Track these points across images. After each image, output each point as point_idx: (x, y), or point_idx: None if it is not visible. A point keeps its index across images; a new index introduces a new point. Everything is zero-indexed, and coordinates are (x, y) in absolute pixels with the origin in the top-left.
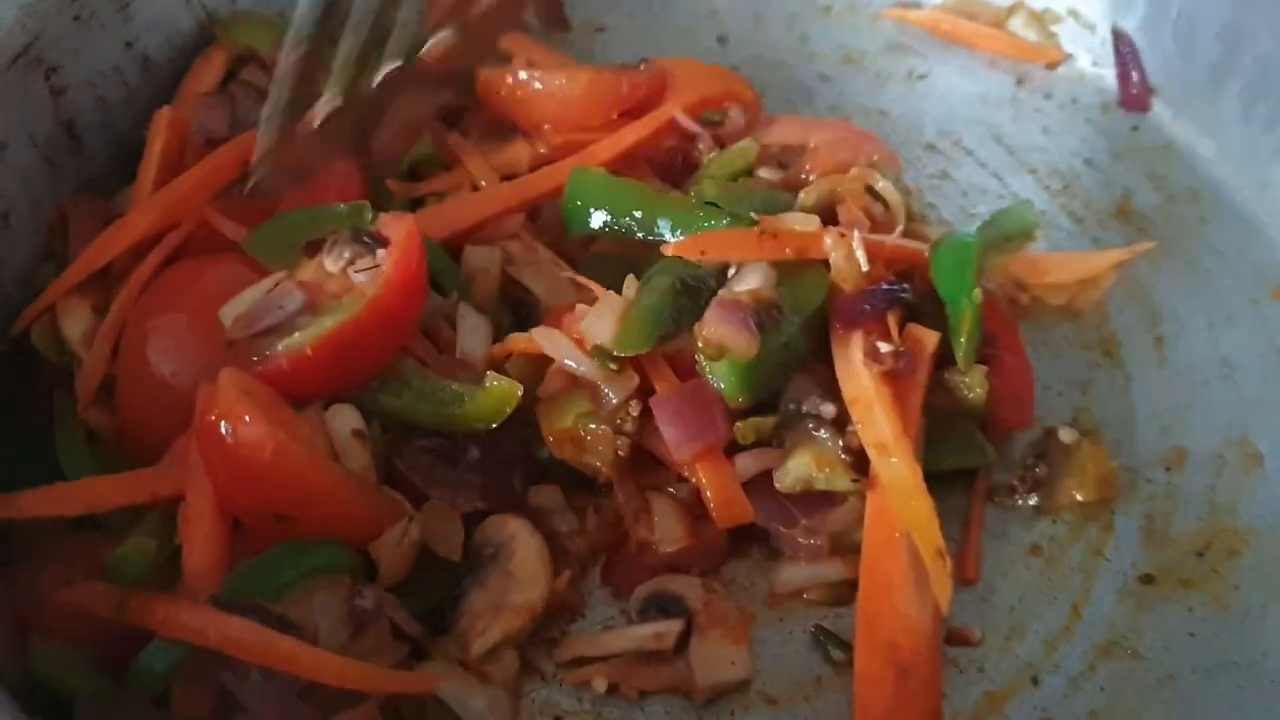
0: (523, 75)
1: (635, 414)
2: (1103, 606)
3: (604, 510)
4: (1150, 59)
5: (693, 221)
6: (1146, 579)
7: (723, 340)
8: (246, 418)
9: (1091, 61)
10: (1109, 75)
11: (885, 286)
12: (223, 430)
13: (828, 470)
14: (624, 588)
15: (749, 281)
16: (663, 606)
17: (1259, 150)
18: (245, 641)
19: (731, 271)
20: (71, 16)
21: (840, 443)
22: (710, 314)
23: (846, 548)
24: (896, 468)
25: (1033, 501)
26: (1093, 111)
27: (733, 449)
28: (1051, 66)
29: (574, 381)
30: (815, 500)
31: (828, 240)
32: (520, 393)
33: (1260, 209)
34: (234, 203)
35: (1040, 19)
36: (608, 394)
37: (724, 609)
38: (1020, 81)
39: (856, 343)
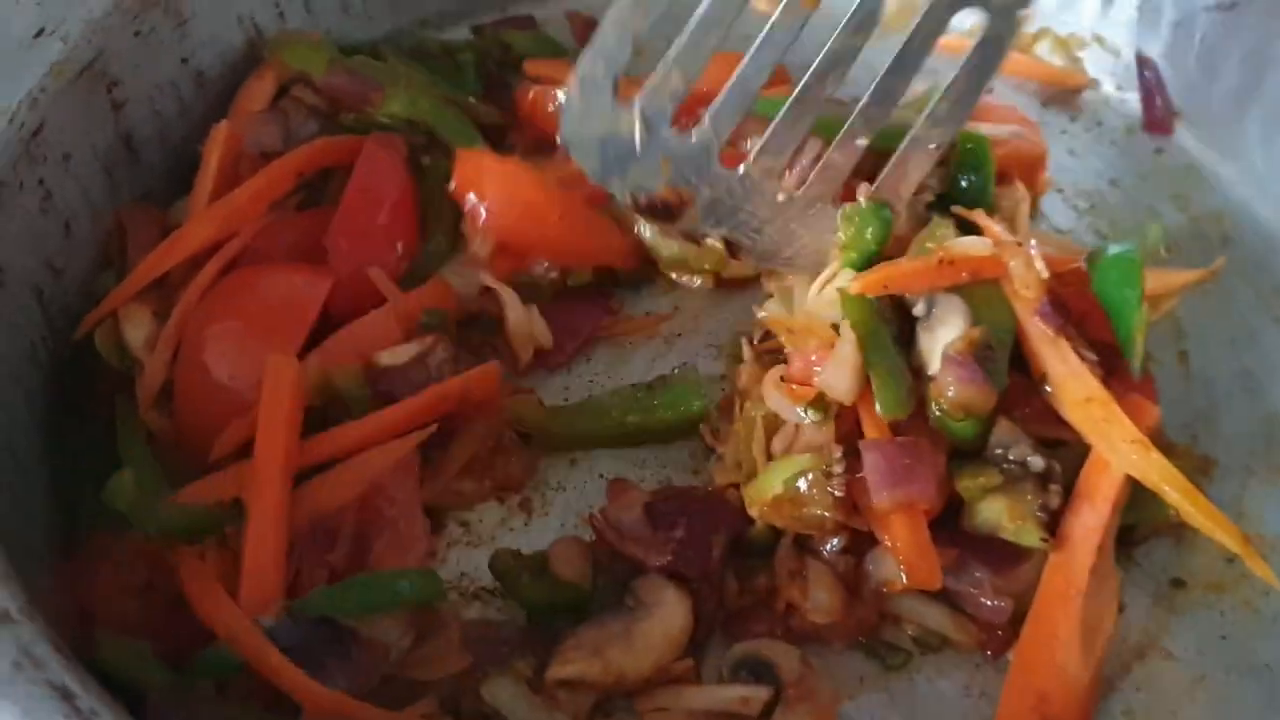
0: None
1: (839, 455)
2: (1136, 609)
3: (755, 579)
4: (1174, 83)
5: None
6: (1178, 583)
7: (969, 401)
8: None
9: (1116, 86)
10: (1133, 99)
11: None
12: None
13: (1019, 523)
14: (737, 636)
15: (953, 325)
16: (755, 671)
17: None
18: (285, 676)
19: (918, 309)
20: (133, 33)
21: (1040, 500)
22: (947, 377)
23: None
24: (1159, 463)
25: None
26: (1117, 134)
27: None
28: (1077, 90)
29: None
30: (999, 557)
31: (1011, 258)
32: None
33: None
34: (287, 215)
35: (1065, 44)
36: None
37: (816, 685)
38: (1046, 105)
39: (1066, 348)
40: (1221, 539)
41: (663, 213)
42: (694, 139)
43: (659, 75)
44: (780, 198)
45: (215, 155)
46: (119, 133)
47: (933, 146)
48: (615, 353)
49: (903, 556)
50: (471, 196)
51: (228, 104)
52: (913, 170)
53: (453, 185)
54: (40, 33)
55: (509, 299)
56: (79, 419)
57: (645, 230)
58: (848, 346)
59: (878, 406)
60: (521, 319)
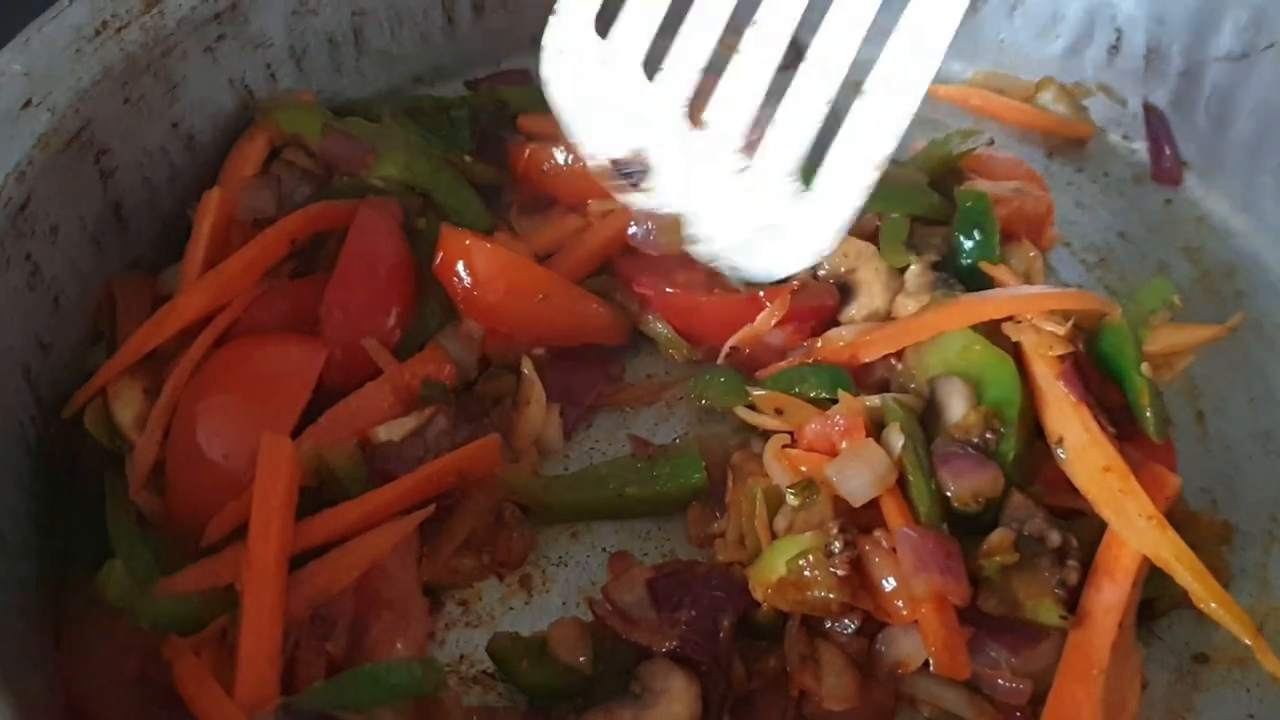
0: (560, 157)
1: (837, 530)
2: (1158, 686)
3: (764, 660)
4: (1182, 134)
5: None
6: (1201, 658)
7: (974, 490)
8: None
9: (1122, 135)
10: (1140, 149)
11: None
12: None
13: (1036, 600)
14: None
15: (956, 409)
16: None
17: None
18: None
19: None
20: (122, 99)
21: (1057, 576)
22: (945, 474)
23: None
24: (1173, 542)
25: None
26: (1125, 185)
27: None
28: (1082, 141)
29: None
30: (1017, 637)
31: (1026, 319)
32: None
33: None
34: (280, 284)
35: (1070, 93)
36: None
37: None
38: (1051, 154)
39: (1087, 415)
40: (1231, 627)
41: (635, 173)
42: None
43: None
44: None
45: (207, 223)
46: (108, 201)
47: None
48: (616, 419)
49: (934, 647)
50: (458, 276)
51: (219, 167)
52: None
53: (437, 263)
54: (27, 104)
55: (535, 394)
56: (69, 500)
57: (636, 309)
58: (876, 454)
59: (921, 518)
60: (537, 415)
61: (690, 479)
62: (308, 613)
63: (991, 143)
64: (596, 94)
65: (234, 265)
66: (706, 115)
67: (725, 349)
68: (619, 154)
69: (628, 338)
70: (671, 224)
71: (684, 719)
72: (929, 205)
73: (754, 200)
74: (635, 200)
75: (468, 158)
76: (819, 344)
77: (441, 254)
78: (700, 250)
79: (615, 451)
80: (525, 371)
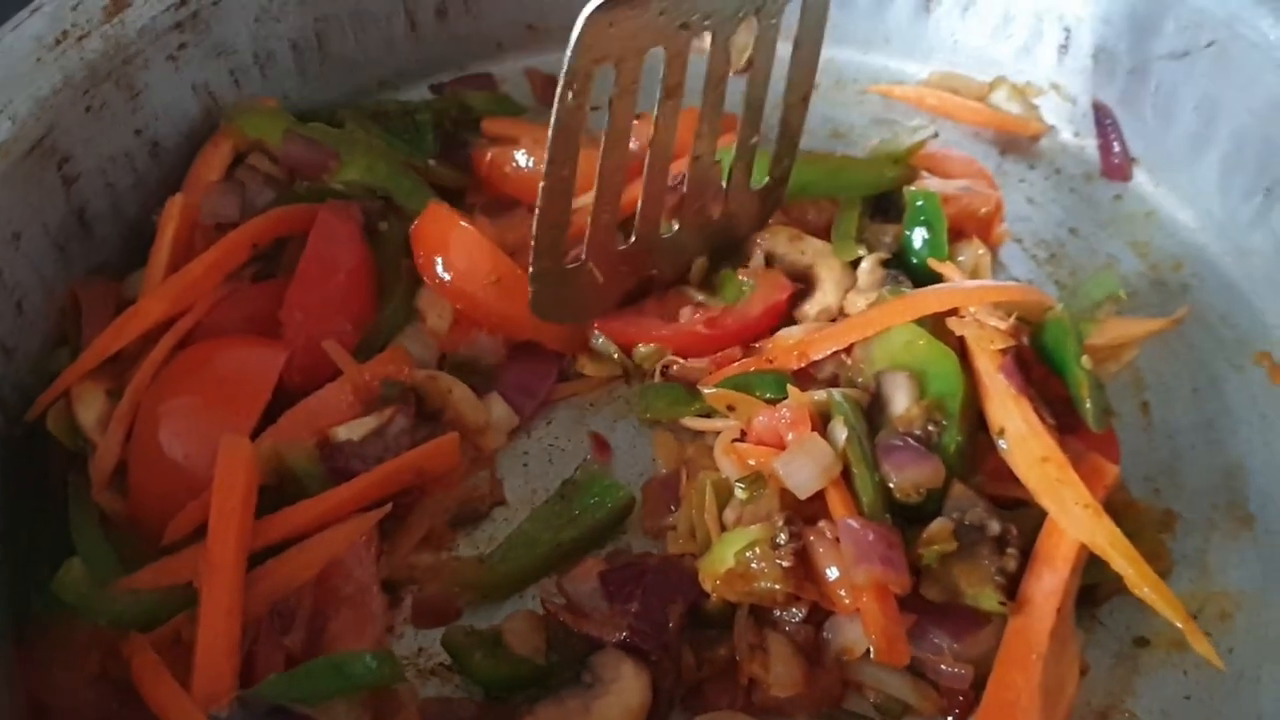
0: (522, 160)
1: (782, 523)
2: (1099, 670)
3: (714, 649)
4: (1130, 130)
5: None
6: (1141, 642)
7: (915, 482)
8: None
9: (1074, 133)
10: (1090, 146)
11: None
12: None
13: (977, 588)
14: (697, 710)
15: (899, 402)
16: None
17: (1238, 218)
18: None
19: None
20: (84, 108)
21: (997, 563)
22: (887, 466)
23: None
24: (1108, 530)
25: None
26: (1076, 181)
27: None
28: (1034, 138)
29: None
30: (958, 623)
31: (976, 310)
32: None
33: (1241, 276)
34: (242, 288)
35: (1022, 92)
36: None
37: None
38: (1004, 152)
39: (1027, 407)
40: (1165, 612)
41: None
42: None
43: None
44: None
45: (170, 228)
46: (71, 208)
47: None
48: (575, 414)
49: (874, 634)
50: (437, 260)
51: (184, 172)
52: None
53: (413, 240)
54: None
55: (449, 384)
56: (31, 502)
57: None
58: (820, 448)
59: (864, 510)
60: (467, 402)
61: (617, 499)
62: (266, 609)
63: (936, 135)
64: None
65: (196, 269)
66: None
67: (658, 370)
68: None
69: (580, 348)
70: None
71: (634, 707)
72: (883, 180)
73: None
74: None
75: (431, 161)
76: (769, 344)
77: (420, 233)
78: None
79: (574, 447)
80: (445, 380)
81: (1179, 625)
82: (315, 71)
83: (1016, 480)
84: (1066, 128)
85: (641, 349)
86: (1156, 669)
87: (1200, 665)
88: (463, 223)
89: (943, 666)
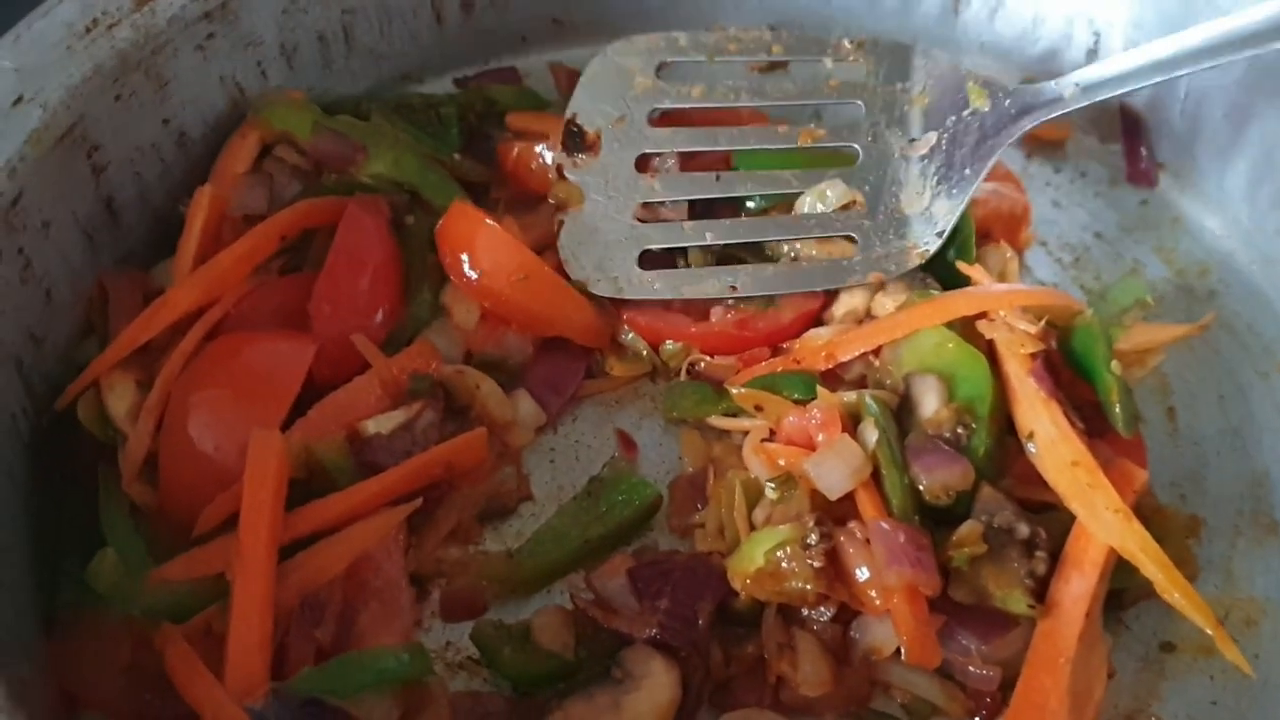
0: (548, 155)
1: (813, 523)
2: (1125, 674)
3: (742, 647)
4: (1157, 136)
5: None
6: (1168, 647)
7: (945, 484)
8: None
9: (1099, 137)
10: (1117, 151)
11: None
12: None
13: (1006, 590)
14: (726, 707)
15: (928, 405)
16: None
17: (1265, 226)
18: None
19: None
20: (113, 97)
21: (1026, 566)
22: (917, 469)
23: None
24: (1138, 534)
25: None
26: (1101, 186)
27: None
28: (1060, 142)
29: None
30: (987, 625)
31: (1006, 313)
32: None
33: (1267, 283)
34: (270, 280)
35: None
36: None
37: None
38: (1030, 155)
39: (1057, 411)
40: (1194, 617)
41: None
42: None
43: None
44: None
45: (199, 219)
46: (100, 197)
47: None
48: (601, 412)
49: (905, 636)
50: (463, 259)
51: (210, 163)
52: None
53: (439, 239)
54: (19, 100)
55: (477, 380)
56: (61, 492)
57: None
58: (851, 449)
59: (894, 511)
60: (494, 397)
61: (645, 496)
62: (297, 601)
63: None
64: None
65: (225, 261)
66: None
67: (684, 367)
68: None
69: (608, 343)
70: None
71: (664, 703)
72: None
73: None
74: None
75: (456, 156)
76: (797, 344)
77: (446, 230)
78: None
79: (600, 444)
80: (473, 377)
81: (1208, 631)
82: (341, 64)
83: (1045, 484)
84: (1093, 132)
85: (669, 346)
86: (1183, 674)
87: (1227, 671)
88: (488, 220)
89: (971, 668)
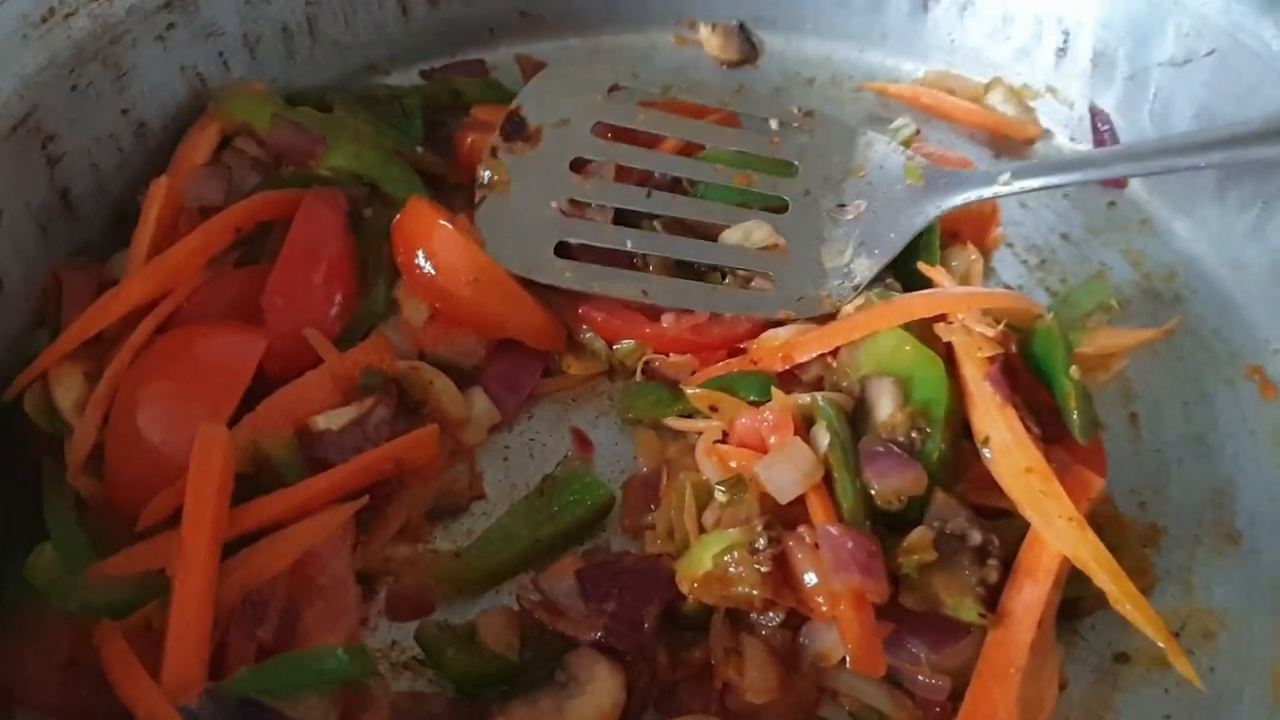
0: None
1: (761, 527)
2: (1078, 685)
3: (689, 652)
4: (1127, 135)
5: None
6: (1122, 658)
7: (897, 489)
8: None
9: (1069, 137)
10: (1085, 151)
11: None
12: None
13: (957, 598)
14: (671, 713)
15: (883, 408)
16: None
17: (1234, 230)
18: None
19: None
20: (69, 86)
21: (978, 574)
22: (870, 473)
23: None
24: (1091, 544)
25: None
26: (1070, 187)
27: None
28: (1029, 141)
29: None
30: (937, 633)
31: (964, 316)
32: None
33: (1236, 288)
34: (224, 272)
35: (1019, 95)
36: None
37: None
38: (998, 155)
39: (1012, 416)
40: (1146, 629)
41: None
42: None
43: None
44: None
45: (154, 210)
46: (55, 187)
47: None
48: (558, 410)
49: (851, 644)
50: (417, 257)
51: (170, 154)
52: None
53: (394, 235)
54: None
55: (430, 375)
56: (5, 484)
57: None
58: (803, 452)
59: (845, 516)
60: (447, 393)
61: (597, 497)
62: (239, 599)
63: (918, 132)
64: None
65: (179, 253)
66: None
67: (640, 366)
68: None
69: (563, 345)
70: None
71: (607, 708)
72: None
73: None
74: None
75: (419, 148)
76: (754, 344)
77: (403, 226)
78: None
79: (555, 443)
80: (426, 372)
81: (1160, 644)
82: (305, 55)
83: (1000, 490)
84: (1062, 132)
85: (623, 345)
86: (1137, 686)
87: (1182, 684)
88: (443, 221)
89: (920, 677)
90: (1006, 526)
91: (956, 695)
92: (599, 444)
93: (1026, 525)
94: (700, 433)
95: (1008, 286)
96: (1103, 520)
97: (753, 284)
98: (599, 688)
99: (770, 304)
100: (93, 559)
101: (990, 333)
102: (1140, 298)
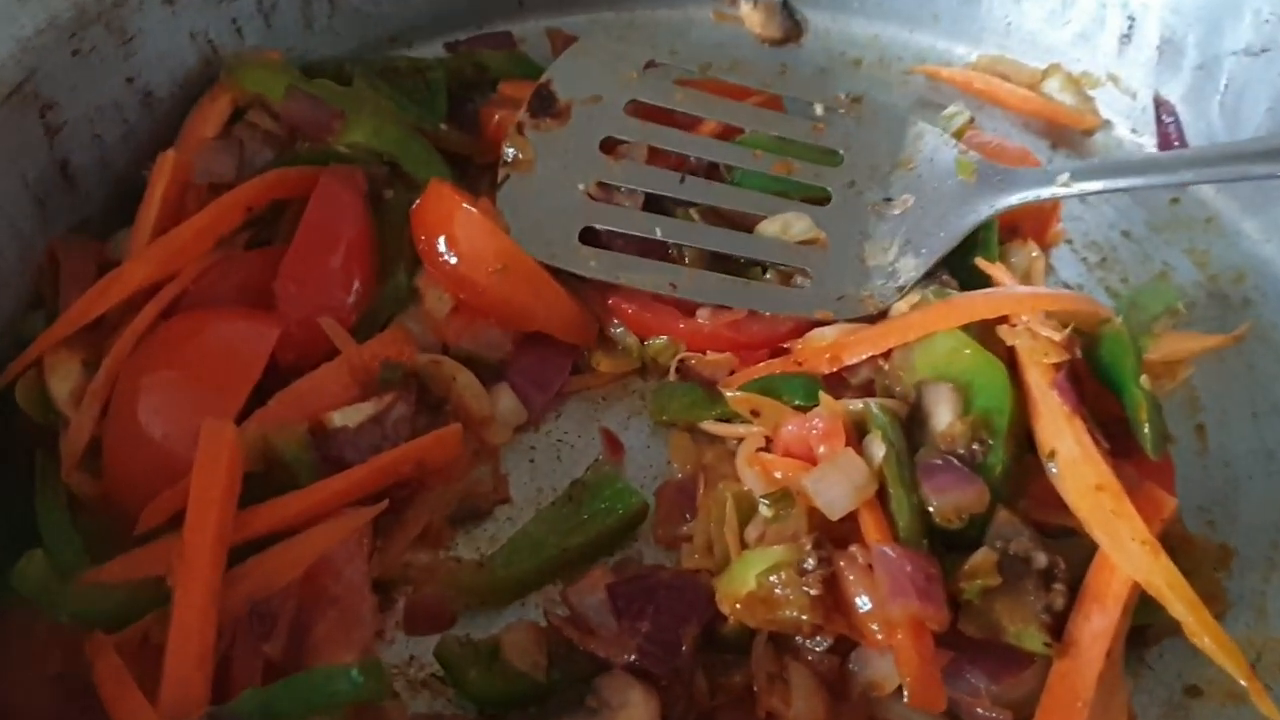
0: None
1: (810, 546)
2: None
3: (729, 676)
4: (1193, 129)
5: None
6: (1193, 691)
7: (957, 507)
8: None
9: (1130, 129)
10: (1149, 143)
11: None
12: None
13: (1020, 626)
14: None
15: (942, 417)
16: None
17: None
18: None
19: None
20: (70, 51)
21: (1043, 600)
22: (928, 488)
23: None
24: (1167, 570)
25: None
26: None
27: None
28: (1088, 132)
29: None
30: (998, 663)
31: (1021, 321)
32: None
33: None
34: (234, 254)
35: (1077, 83)
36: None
37: None
38: (1055, 146)
39: (1080, 429)
40: (1225, 665)
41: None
42: None
43: None
44: None
45: (160, 186)
46: (54, 159)
47: None
48: (588, 409)
49: (909, 676)
50: (439, 244)
51: (178, 126)
52: None
53: (414, 221)
54: None
55: (466, 382)
56: None
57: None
58: (855, 464)
59: (900, 534)
60: (471, 390)
61: (630, 505)
62: (246, 610)
63: (972, 121)
64: None
65: (186, 232)
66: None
67: (674, 364)
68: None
69: (594, 339)
70: None
71: None
72: None
73: None
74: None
75: (443, 125)
76: (799, 344)
77: (423, 210)
78: None
79: (584, 444)
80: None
81: (1240, 681)
82: (323, 23)
83: (1064, 507)
84: (1123, 123)
85: (656, 341)
86: None
87: None
88: (466, 205)
89: (979, 710)
90: (1069, 546)
91: None
92: (630, 446)
93: (1091, 545)
94: (739, 439)
95: (1068, 286)
96: (1173, 541)
97: (793, 280)
98: (633, 714)
99: (807, 302)
100: (86, 564)
101: (1057, 337)
102: (1206, 301)
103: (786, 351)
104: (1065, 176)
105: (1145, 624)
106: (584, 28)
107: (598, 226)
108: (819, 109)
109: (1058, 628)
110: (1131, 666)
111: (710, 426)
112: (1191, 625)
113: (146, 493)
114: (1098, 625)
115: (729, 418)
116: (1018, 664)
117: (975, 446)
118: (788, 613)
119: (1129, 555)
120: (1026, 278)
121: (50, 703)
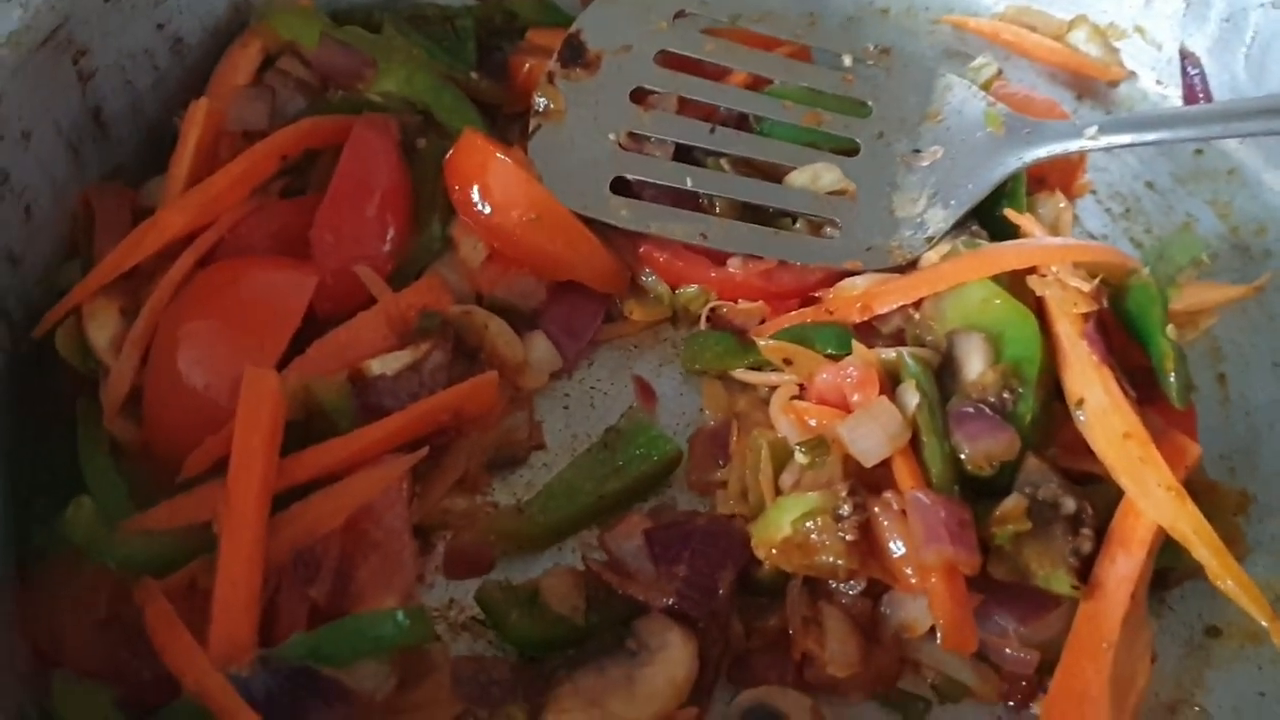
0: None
1: (846, 493)
2: (1168, 660)
3: (764, 619)
4: (1218, 82)
5: None
6: (1213, 632)
7: (989, 454)
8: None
9: (1155, 80)
10: (1174, 95)
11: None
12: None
13: (1048, 569)
14: (745, 683)
15: (973, 366)
16: None
17: None
18: None
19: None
20: None
21: (1071, 544)
22: (959, 436)
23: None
24: (1192, 516)
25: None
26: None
27: None
28: (1113, 84)
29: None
30: (1026, 605)
31: (1051, 272)
32: None
33: None
34: (269, 203)
35: (1103, 34)
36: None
37: None
38: (1080, 97)
39: (1109, 378)
40: (1248, 608)
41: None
42: None
43: None
44: None
45: (194, 134)
46: (86, 106)
47: None
48: (619, 358)
49: (942, 619)
50: (473, 194)
51: (208, 74)
52: None
53: (447, 170)
54: None
55: (498, 329)
56: (38, 426)
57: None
58: (889, 413)
59: (933, 481)
60: (503, 337)
61: (664, 452)
62: (290, 556)
63: (1000, 73)
64: None
65: (221, 180)
66: None
67: (705, 313)
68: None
69: (626, 288)
70: None
71: (680, 678)
72: None
73: None
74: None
75: (473, 74)
76: (830, 293)
77: (457, 160)
78: None
79: (617, 392)
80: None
81: (1263, 623)
82: None
83: (1090, 454)
84: (1148, 75)
85: (687, 290)
86: (1229, 662)
87: (1276, 660)
88: (500, 154)
89: (1007, 650)
90: (1096, 492)
91: (1044, 669)
92: (663, 394)
93: (1117, 492)
94: (772, 387)
95: (1092, 236)
96: (1195, 488)
97: (822, 231)
98: (671, 656)
99: (836, 253)
100: (131, 510)
101: (1086, 287)
102: (1228, 252)
103: (817, 300)
104: (1093, 130)
105: (1168, 568)
106: None
107: (629, 176)
108: (847, 60)
109: (1084, 571)
110: (1153, 608)
111: (743, 375)
112: (1215, 568)
113: (187, 440)
114: (1123, 568)
115: (760, 366)
116: (1045, 606)
117: (1005, 395)
118: (823, 558)
119: (1155, 501)
120: (1055, 228)
121: (99, 647)
